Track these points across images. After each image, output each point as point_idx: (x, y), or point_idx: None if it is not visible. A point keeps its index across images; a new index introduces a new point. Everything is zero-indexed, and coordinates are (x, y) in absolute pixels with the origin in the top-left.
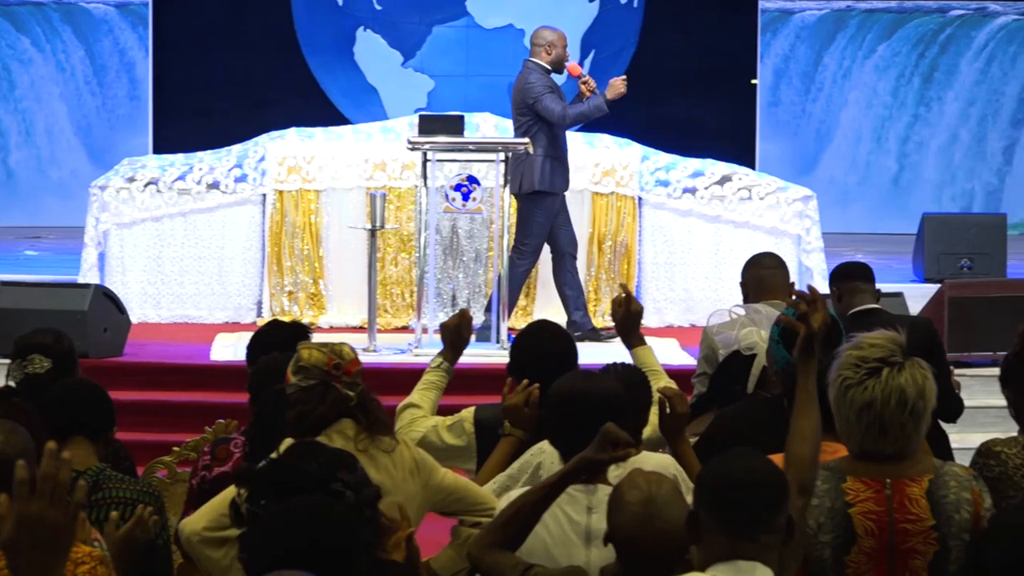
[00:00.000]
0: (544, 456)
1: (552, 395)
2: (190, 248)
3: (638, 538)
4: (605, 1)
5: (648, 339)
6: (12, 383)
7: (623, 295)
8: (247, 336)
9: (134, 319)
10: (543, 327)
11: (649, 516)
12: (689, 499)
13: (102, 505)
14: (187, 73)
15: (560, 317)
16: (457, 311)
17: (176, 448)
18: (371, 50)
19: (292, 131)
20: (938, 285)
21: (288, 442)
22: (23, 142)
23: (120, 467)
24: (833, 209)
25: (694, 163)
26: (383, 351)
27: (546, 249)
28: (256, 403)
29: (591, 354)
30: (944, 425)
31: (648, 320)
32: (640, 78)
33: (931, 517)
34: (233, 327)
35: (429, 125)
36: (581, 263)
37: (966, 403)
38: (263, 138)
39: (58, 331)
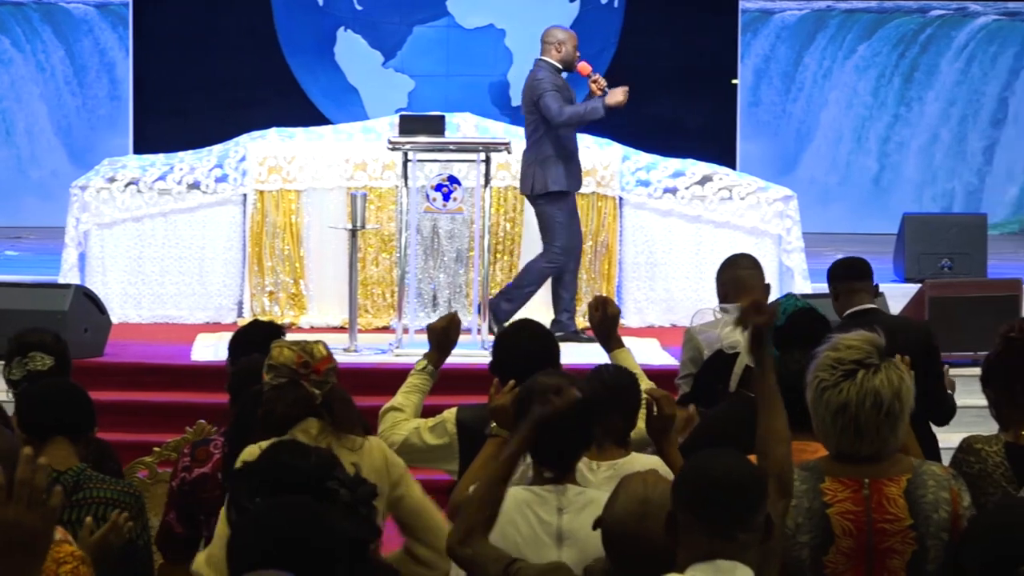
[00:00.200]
0: (533, 458)
1: (523, 392)
2: (171, 248)
3: (631, 536)
4: (586, 1)
5: (629, 339)
6: (13, 379)
7: (599, 299)
8: (228, 336)
9: (115, 319)
10: (525, 326)
11: (644, 515)
12: None
13: (83, 505)
14: (167, 73)
15: (541, 318)
16: (446, 313)
17: (157, 449)
18: (351, 50)
19: (273, 131)
20: (919, 285)
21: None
22: (3, 142)
23: (106, 468)
24: (814, 209)
25: (675, 163)
26: (364, 351)
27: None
28: (236, 404)
29: (573, 354)
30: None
31: (629, 320)
32: (620, 78)
33: (909, 517)
34: (214, 327)
35: (410, 125)
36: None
37: None
38: (244, 138)
39: (55, 331)
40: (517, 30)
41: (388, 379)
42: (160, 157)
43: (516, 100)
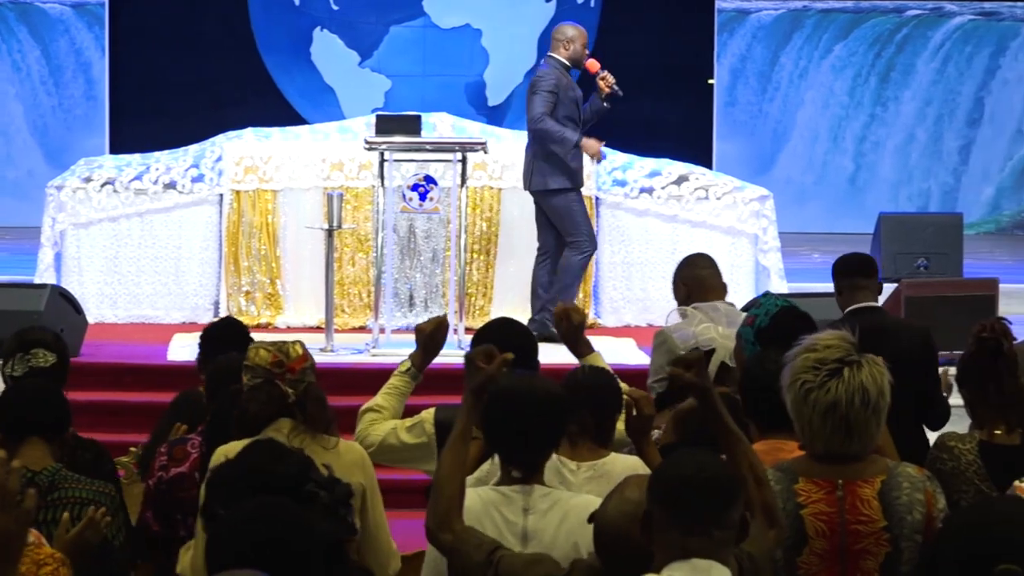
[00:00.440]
0: (500, 458)
1: (491, 395)
2: (147, 248)
3: (622, 537)
4: (562, 1)
5: (605, 339)
6: (15, 376)
7: (563, 308)
8: None
9: (91, 319)
10: (504, 324)
11: (635, 517)
12: None
13: (58, 505)
14: (144, 73)
15: (518, 317)
16: (434, 316)
17: (133, 448)
18: (328, 50)
19: (249, 131)
20: (895, 284)
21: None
22: None
23: (101, 468)
24: (790, 209)
25: (651, 163)
26: (340, 351)
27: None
28: (213, 403)
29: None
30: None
31: (605, 320)
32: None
33: (883, 518)
34: (190, 327)
35: (386, 125)
36: None
37: None
38: (220, 138)
39: (54, 330)
40: (493, 30)
41: (365, 379)
42: (136, 157)
43: (493, 100)
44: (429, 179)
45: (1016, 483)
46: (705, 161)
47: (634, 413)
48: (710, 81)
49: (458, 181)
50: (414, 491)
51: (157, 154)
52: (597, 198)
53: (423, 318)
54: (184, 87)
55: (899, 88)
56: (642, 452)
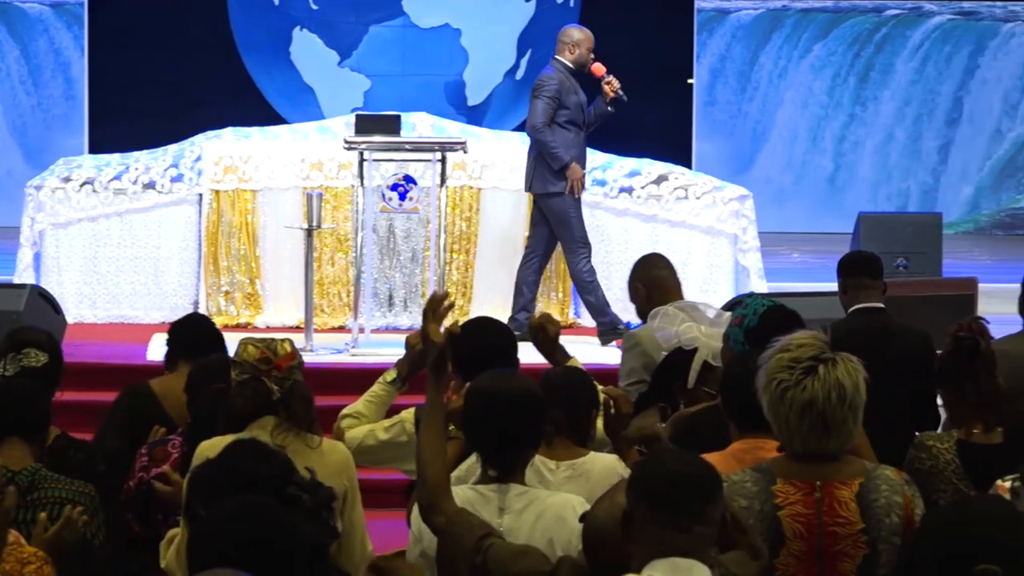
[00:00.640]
0: (479, 457)
1: (469, 393)
2: (126, 248)
3: (611, 540)
4: (541, 1)
5: (584, 339)
6: (6, 375)
7: (538, 319)
8: None
9: (70, 319)
10: (483, 323)
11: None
12: None
13: (38, 505)
14: (123, 73)
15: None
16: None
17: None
18: (307, 50)
19: (228, 131)
20: None
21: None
22: None
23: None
24: (769, 208)
25: (630, 162)
26: (320, 351)
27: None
28: (194, 404)
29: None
30: None
31: (585, 320)
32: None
33: (860, 520)
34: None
35: (365, 125)
36: (517, 263)
37: None
38: (199, 138)
39: (46, 330)
40: (472, 30)
41: (344, 379)
42: (116, 157)
43: (472, 99)
44: (409, 179)
45: (998, 482)
46: (685, 161)
47: (612, 411)
48: (690, 81)
49: (438, 181)
50: (393, 491)
51: (136, 154)
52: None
53: (402, 318)
54: (163, 87)
55: (878, 88)
56: (621, 451)
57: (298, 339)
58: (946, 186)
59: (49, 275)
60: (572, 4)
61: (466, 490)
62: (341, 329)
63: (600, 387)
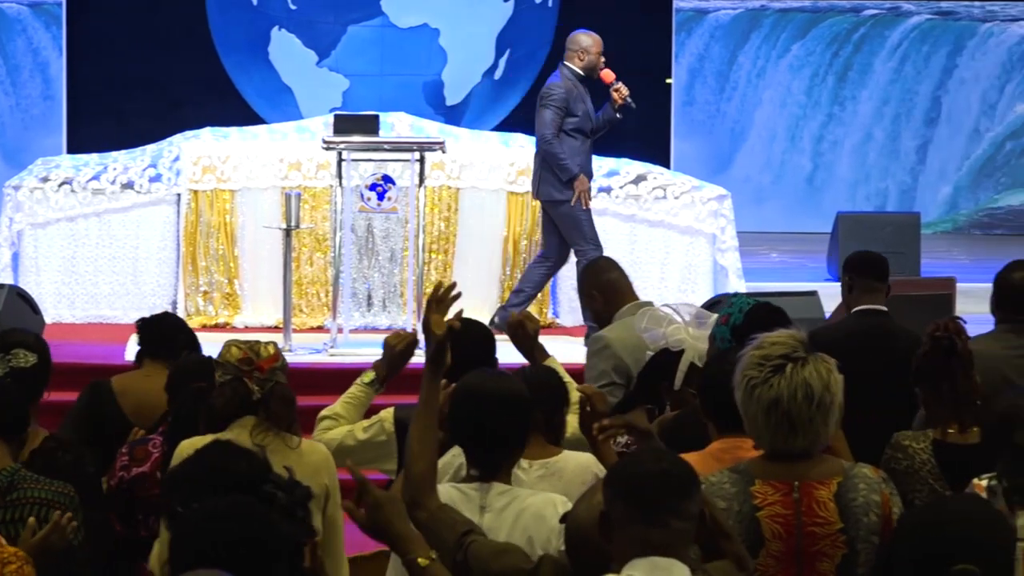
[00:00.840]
0: (465, 456)
1: (455, 392)
2: (104, 248)
3: (593, 540)
4: (520, 1)
5: (563, 339)
6: None
7: (517, 318)
8: None
9: (48, 319)
10: (464, 324)
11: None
12: None
13: (17, 505)
14: (101, 73)
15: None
16: (404, 332)
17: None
18: (286, 49)
19: (207, 131)
20: None
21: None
22: None
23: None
24: (748, 208)
25: (609, 162)
26: (298, 351)
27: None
28: (174, 403)
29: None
30: None
31: (563, 319)
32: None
33: (839, 520)
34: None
35: (344, 124)
36: (496, 263)
37: None
38: (178, 138)
39: (34, 332)
40: (451, 29)
41: (323, 379)
42: (94, 157)
43: (451, 99)
44: (387, 179)
45: (975, 481)
46: (663, 160)
47: (587, 410)
48: (668, 81)
49: (416, 181)
50: None
51: (115, 154)
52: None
53: (381, 318)
54: (142, 87)
55: (856, 87)
56: (596, 450)
57: (276, 339)
58: (924, 186)
59: (27, 275)
60: (551, 4)
61: (448, 488)
62: (320, 329)
63: (575, 385)
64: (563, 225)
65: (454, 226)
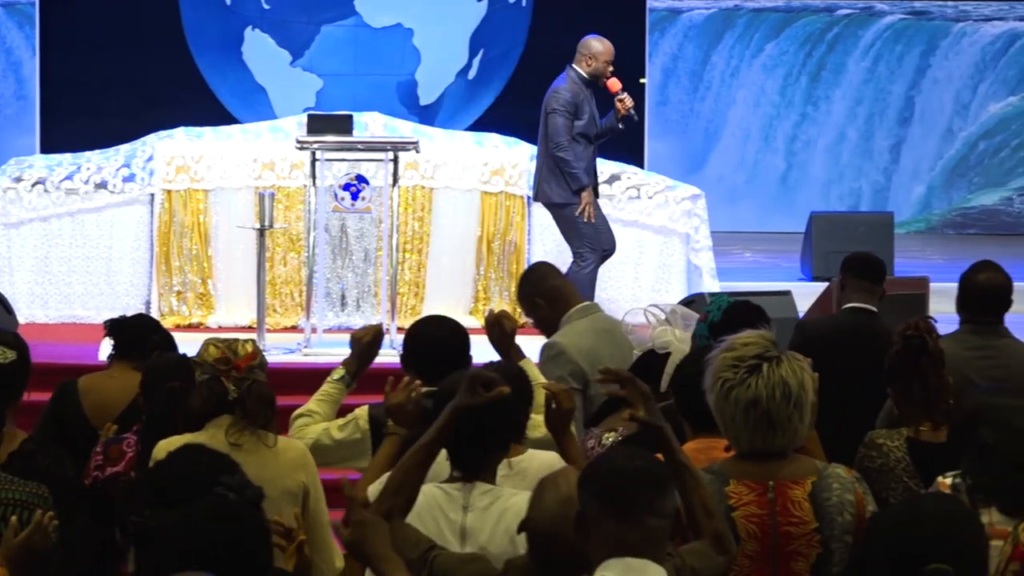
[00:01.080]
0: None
1: (440, 392)
2: (78, 248)
3: (552, 535)
4: (493, 1)
5: (539, 339)
6: None
7: (494, 316)
8: None
9: (21, 320)
10: (434, 321)
11: (565, 516)
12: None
13: None
14: (75, 73)
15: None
16: (371, 325)
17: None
18: (259, 49)
19: (180, 131)
20: (826, 283)
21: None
22: None
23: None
24: (722, 207)
25: None
26: (272, 351)
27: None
28: (148, 402)
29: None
30: None
31: None
32: (529, 77)
33: (814, 520)
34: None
35: (318, 124)
36: (470, 263)
37: None
38: (151, 138)
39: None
40: (425, 29)
41: (297, 379)
42: (67, 157)
43: (424, 99)
44: (361, 178)
45: (939, 479)
46: (637, 160)
47: (553, 407)
48: (642, 80)
49: (390, 180)
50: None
51: (88, 154)
52: (529, 197)
53: (355, 318)
54: (115, 87)
55: (830, 87)
56: (562, 446)
57: (250, 339)
58: (898, 185)
59: (1, 275)
60: (524, 4)
61: (432, 488)
62: (293, 329)
63: (542, 382)
64: (561, 226)
65: (428, 226)
